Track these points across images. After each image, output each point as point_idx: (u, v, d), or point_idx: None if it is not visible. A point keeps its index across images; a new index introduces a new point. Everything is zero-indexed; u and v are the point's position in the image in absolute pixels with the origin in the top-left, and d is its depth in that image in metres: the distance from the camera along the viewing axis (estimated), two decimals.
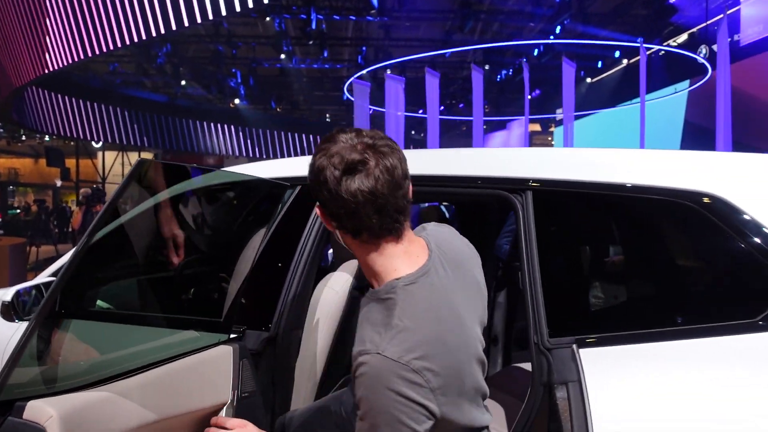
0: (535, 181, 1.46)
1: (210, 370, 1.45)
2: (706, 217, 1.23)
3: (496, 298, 3.35)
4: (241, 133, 22.19)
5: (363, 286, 3.09)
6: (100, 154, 23.95)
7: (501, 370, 2.86)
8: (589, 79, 16.66)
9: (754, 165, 1.28)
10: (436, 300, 1.08)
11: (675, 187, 1.29)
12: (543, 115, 18.43)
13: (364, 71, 13.49)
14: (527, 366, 2.77)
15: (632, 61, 14.10)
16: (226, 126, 22.01)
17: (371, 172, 1.03)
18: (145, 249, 1.57)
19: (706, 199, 1.24)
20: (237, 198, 1.91)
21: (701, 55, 11.21)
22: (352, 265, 1.98)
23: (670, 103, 12.86)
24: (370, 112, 10.40)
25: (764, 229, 1.17)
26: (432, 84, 9.57)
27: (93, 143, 21.89)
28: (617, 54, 14.64)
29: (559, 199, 1.42)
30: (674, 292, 1.23)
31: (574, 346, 1.27)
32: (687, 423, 1.08)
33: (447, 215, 3.02)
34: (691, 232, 1.25)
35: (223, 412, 1.41)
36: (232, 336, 1.63)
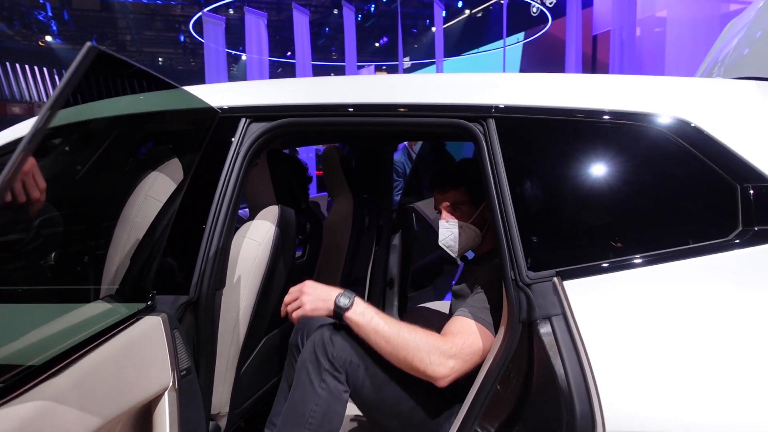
0: (497, 108, 1.35)
1: (142, 352, 1.14)
2: (676, 141, 1.23)
3: (392, 241, 3.30)
4: (56, 77, 19.13)
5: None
6: None
7: (410, 312, 2.83)
8: (434, 28, 17.12)
9: (718, 90, 1.31)
10: None
11: (645, 112, 1.27)
12: (390, 61, 18.61)
13: (207, 8, 11.82)
14: (433, 305, 2.79)
15: (474, 11, 14.73)
16: (36, 68, 18.79)
17: None
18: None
19: (675, 123, 1.24)
20: (127, 135, 1.54)
21: (541, 3, 11.93)
22: (271, 212, 1.74)
23: (509, 53, 13.76)
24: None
25: (731, 151, 1.20)
26: (301, 23, 8.44)
27: None
28: (460, 4, 15.18)
29: (525, 127, 1.34)
30: (650, 217, 1.23)
31: (556, 279, 1.22)
32: (680, 343, 1.10)
33: (348, 158, 2.85)
34: (662, 157, 1.24)
35: (165, 401, 1.13)
36: (143, 306, 1.31)
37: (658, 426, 1.04)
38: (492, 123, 1.35)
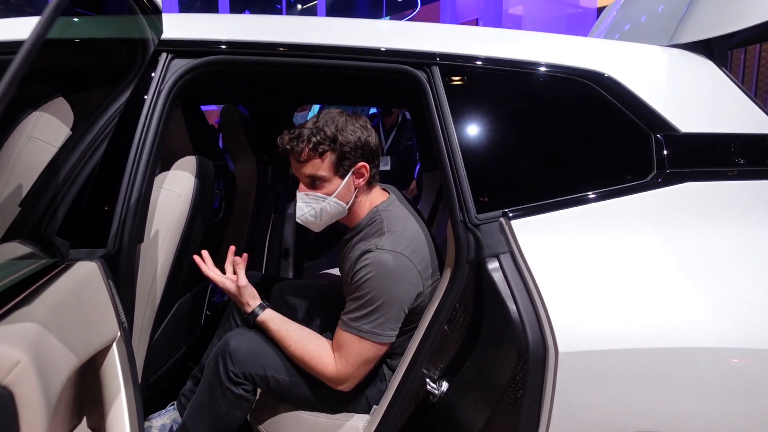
0: (442, 56, 1.37)
1: (84, 299, 0.97)
2: (602, 94, 1.35)
3: (286, 210, 3.21)
4: None
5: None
6: None
7: (318, 279, 2.79)
8: (299, 6, 16.77)
9: (633, 51, 1.45)
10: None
11: (576, 66, 1.37)
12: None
13: None
14: (333, 271, 2.77)
15: None
16: None
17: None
18: None
19: (600, 78, 1.36)
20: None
21: None
22: (189, 163, 1.59)
23: None
24: None
25: (646, 103, 1.35)
26: None
27: None
28: None
29: (468, 75, 1.37)
30: (580, 161, 1.34)
31: (502, 219, 1.28)
32: (613, 269, 1.22)
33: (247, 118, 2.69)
34: (590, 107, 1.35)
35: (114, 353, 0.97)
36: (54, 260, 1.13)
37: (602, 342, 1.14)
38: (437, 70, 1.36)
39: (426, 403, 1.31)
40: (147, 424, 1.71)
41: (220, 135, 2.56)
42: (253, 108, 2.77)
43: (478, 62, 1.38)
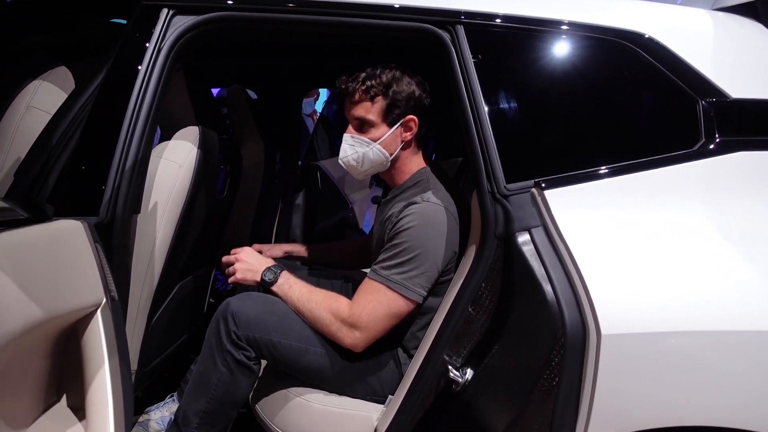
0: (467, 14, 1.25)
1: (63, 253, 0.85)
2: (644, 57, 1.23)
3: (295, 199, 3.09)
4: None
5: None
6: None
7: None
8: None
9: (679, 15, 1.33)
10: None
11: (616, 27, 1.25)
12: None
13: None
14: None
15: None
16: None
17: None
18: None
19: (643, 40, 1.24)
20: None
21: None
22: (192, 133, 1.48)
23: None
24: None
25: (692, 66, 1.22)
26: None
27: None
28: None
29: (496, 35, 1.25)
30: (622, 128, 1.22)
31: (534, 189, 1.15)
32: (661, 244, 1.10)
33: (254, 97, 2.59)
34: (629, 70, 1.23)
35: (98, 319, 0.85)
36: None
37: (650, 324, 1.02)
38: (461, 30, 1.25)
39: (448, 393, 1.18)
40: (144, 417, 1.60)
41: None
42: (260, 90, 2.67)
43: (507, 21, 1.26)
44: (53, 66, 1.40)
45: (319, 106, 4.86)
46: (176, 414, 1.42)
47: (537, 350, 1.08)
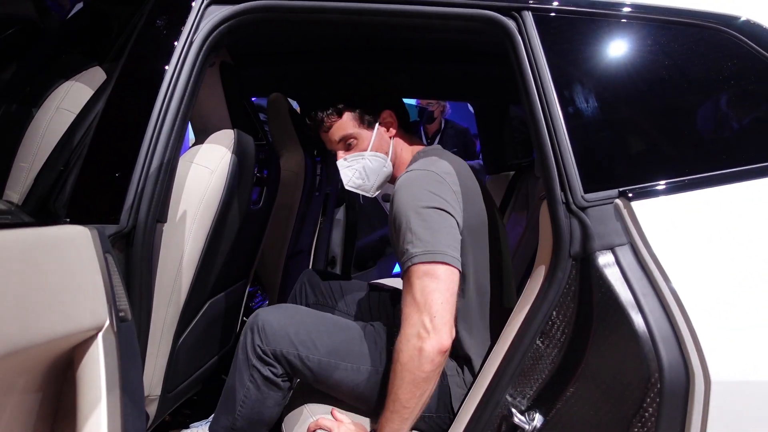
0: None
1: (62, 260, 0.71)
2: (741, 44, 1.03)
3: (335, 214, 2.96)
4: None
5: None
6: None
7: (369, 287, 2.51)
8: None
9: None
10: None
11: (703, 10, 1.06)
12: None
13: None
14: (386, 281, 2.49)
15: None
16: None
17: None
18: None
19: (743, 25, 1.04)
20: None
21: None
22: (227, 136, 1.36)
23: None
24: None
25: None
26: None
27: None
28: None
29: (568, 22, 1.09)
30: (721, 129, 1.02)
31: (618, 200, 0.97)
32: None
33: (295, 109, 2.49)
34: (726, 60, 1.04)
35: (99, 346, 0.71)
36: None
37: None
38: (529, 16, 1.08)
39: None
40: None
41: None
42: (303, 100, 2.56)
43: (582, 7, 1.09)
44: (87, 66, 1.31)
45: None
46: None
47: (624, 396, 0.89)
